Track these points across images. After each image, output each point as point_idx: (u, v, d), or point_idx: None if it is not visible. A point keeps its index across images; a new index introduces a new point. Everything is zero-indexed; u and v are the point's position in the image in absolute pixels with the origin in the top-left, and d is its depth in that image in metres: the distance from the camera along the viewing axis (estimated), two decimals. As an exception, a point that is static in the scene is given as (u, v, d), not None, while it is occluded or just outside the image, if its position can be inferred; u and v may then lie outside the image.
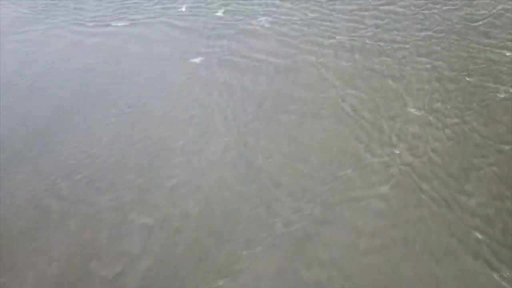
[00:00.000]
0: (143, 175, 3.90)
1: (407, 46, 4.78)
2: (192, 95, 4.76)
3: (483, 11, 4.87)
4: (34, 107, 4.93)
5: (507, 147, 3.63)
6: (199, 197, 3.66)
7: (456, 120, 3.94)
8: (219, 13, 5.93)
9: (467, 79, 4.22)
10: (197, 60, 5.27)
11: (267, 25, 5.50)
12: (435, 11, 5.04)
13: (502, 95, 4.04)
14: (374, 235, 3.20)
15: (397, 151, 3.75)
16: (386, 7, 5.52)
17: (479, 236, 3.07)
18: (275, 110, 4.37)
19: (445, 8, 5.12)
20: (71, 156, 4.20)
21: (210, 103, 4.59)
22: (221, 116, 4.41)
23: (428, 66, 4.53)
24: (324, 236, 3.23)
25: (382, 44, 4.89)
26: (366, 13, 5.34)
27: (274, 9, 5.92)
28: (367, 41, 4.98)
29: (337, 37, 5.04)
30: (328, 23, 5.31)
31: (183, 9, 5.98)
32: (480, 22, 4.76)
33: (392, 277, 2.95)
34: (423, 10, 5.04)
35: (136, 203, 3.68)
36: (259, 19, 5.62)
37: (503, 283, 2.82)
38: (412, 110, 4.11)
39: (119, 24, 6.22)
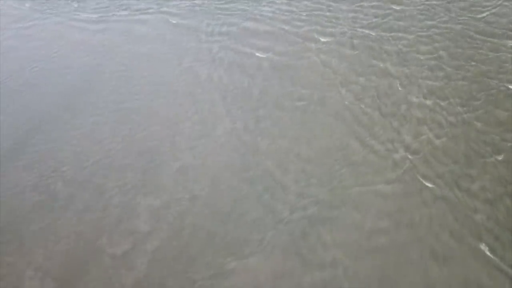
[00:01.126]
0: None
1: (409, 39, 4.71)
2: (193, 85, 4.77)
3: (487, 2, 4.82)
4: (33, 102, 4.99)
5: (509, 144, 3.48)
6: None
7: (460, 115, 3.79)
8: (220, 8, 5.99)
9: (471, 72, 4.16)
10: (196, 56, 5.31)
11: (267, 20, 5.56)
12: (439, 2, 5.01)
13: (506, 88, 3.98)
14: (376, 232, 3.18)
15: (398, 146, 3.67)
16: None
17: (483, 236, 3.00)
18: (275, 106, 4.36)
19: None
20: (71, 148, 4.27)
21: (210, 98, 4.58)
22: (220, 114, 4.38)
23: (432, 60, 4.43)
24: (324, 237, 3.23)
25: (384, 37, 4.84)
26: (367, 5, 5.28)
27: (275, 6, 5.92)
28: (369, 33, 4.96)
29: (339, 30, 5.05)
30: (329, 17, 5.34)
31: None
32: (485, 14, 4.72)
33: (392, 278, 2.93)
34: (426, 1, 5.02)
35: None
36: (259, 13, 5.68)
37: (505, 284, 2.78)
38: (415, 104, 3.97)
39: (120, 20, 6.28)
